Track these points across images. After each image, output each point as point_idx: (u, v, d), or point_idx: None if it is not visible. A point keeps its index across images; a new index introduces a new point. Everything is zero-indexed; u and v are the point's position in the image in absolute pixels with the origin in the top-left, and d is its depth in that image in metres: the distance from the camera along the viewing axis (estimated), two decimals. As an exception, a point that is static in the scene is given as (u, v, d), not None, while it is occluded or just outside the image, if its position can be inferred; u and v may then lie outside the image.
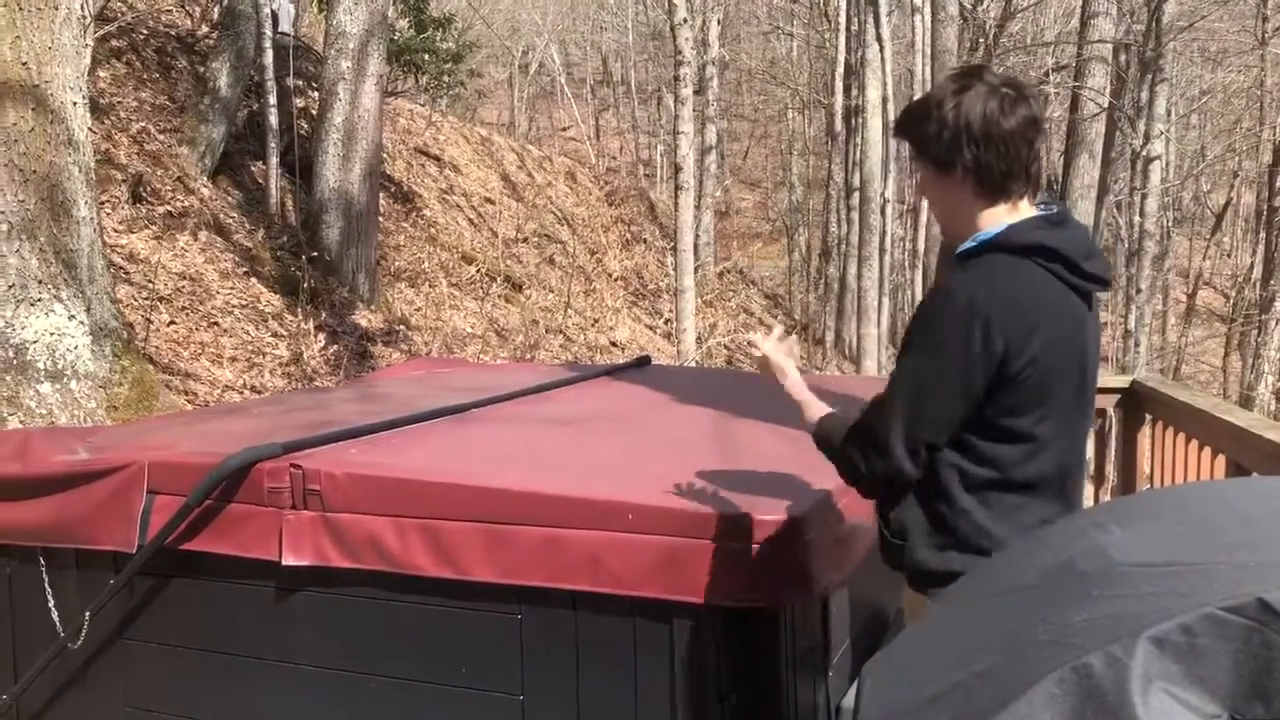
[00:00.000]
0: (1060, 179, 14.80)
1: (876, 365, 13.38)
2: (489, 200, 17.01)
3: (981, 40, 18.59)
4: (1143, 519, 1.40)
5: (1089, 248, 1.93)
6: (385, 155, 12.82)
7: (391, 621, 2.40)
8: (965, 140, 1.86)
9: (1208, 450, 3.71)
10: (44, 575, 2.77)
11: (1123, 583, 1.20)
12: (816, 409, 2.16)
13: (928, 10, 14.33)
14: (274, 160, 10.69)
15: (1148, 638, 1.06)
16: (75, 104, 5.35)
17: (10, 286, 4.98)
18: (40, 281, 5.08)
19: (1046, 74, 20.47)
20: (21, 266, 5.02)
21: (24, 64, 5.05)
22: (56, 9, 5.19)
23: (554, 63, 33.80)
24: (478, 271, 13.76)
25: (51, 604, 2.75)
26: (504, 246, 15.38)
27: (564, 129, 34.05)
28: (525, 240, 16.69)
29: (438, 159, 16.79)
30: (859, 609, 2.78)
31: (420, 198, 14.72)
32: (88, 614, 2.66)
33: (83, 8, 5.54)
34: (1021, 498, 1.91)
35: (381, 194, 11.98)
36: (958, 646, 1.27)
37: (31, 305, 5.03)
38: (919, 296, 13.84)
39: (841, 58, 19.79)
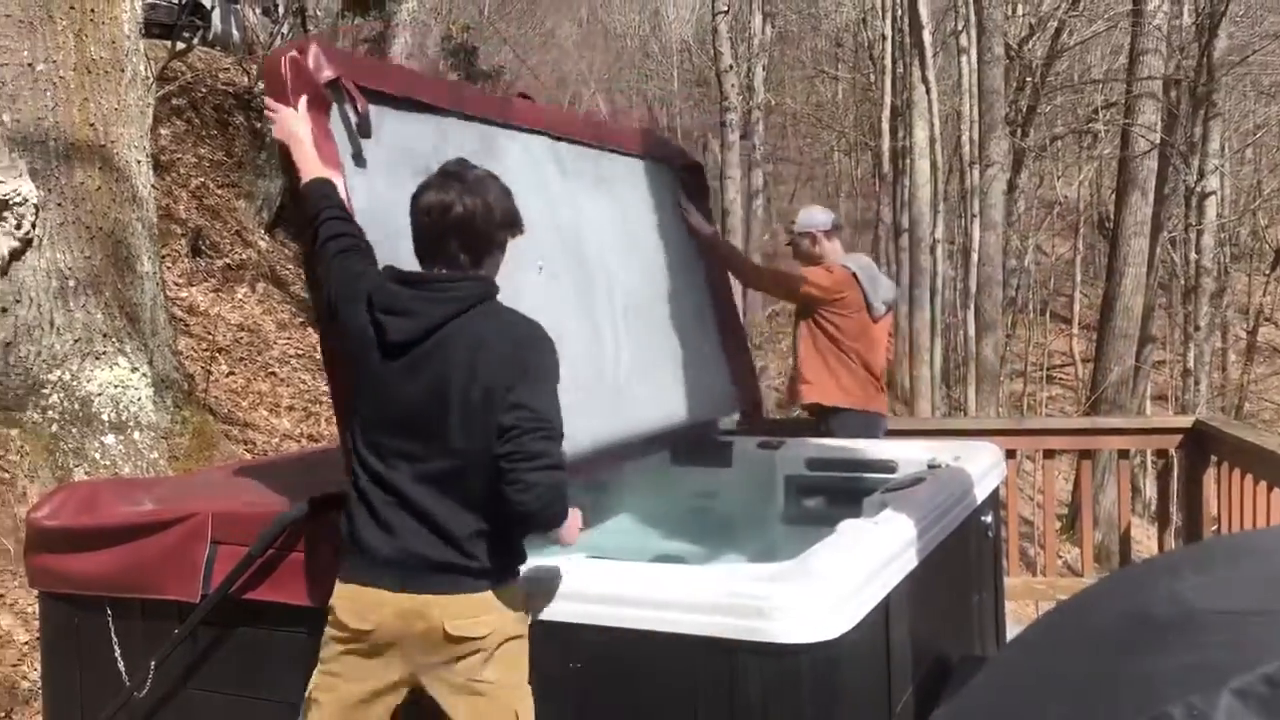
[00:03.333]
0: (1113, 217, 14.64)
1: (930, 407, 13.25)
2: (538, 248, 17.13)
3: (1028, 79, 18.55)
4: (1219, 565, 1.37)
5: None
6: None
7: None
8: None
9: (1278, 492, 3.62)
10: (110, 625, 2.80)
11: (1202, 631, 1.17)
12: (313, 171, 2.41)
13: (974, 52, 14.32)
14: (329, 212, 10.87)
15: (1231, 689, 1.04)
16: (139, 162, 5.51)
17: (77, 340, 5.10)
18: (105, 335, 5.20)
19: (1095, 111, 20.35)
20: (88, 321, 5.15)
21: (91, 125, 5.21)
22: (122, 72, 5.35)
23: (600, 111, 34.18)
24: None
25: (118, 653, 2.78)
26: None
27: (611, 176, 34.28)
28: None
29: (487, 208, 16.97)
30: (921, 654, 2.74)
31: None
32: (153, 664, 2.68)
33: (146, 69, 5.71)
34: None
35: (433, 243, 12.11)
36: (1030, 697, 1.25)
37: (97, 359, 5.15)
38: (972, 335, 13.70)
39: (888, 100, 19.80)
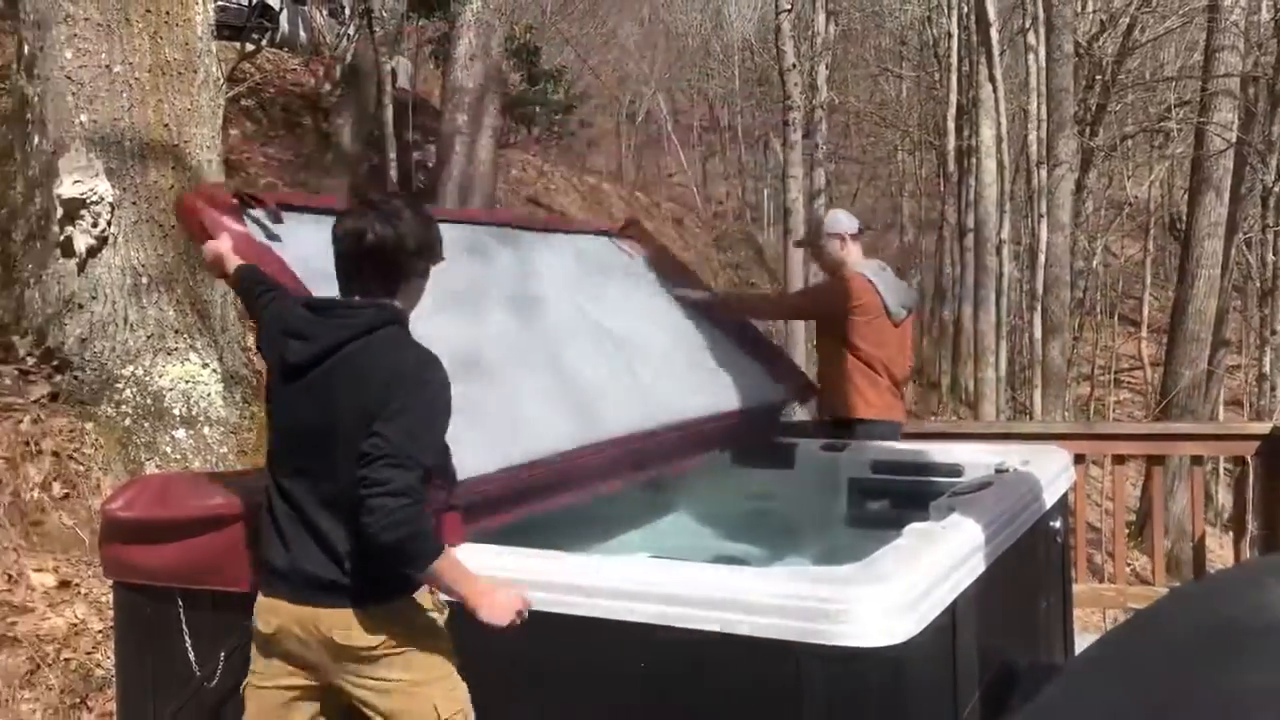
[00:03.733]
0: (1186, 217, 14.31)
1: (995, 410, 13.05)
2: (599, 247, 17.20)
3: (1098, 77, 18.19)
4: (1308, 576, 1.32)
5: None
6: (498, 205, 13.09)
7: (529, 668, 2.41)
8: None
9: (1361, 500, 3.51)
10: (181, 615, 2.85)
11: (1291, 644, 1.13)
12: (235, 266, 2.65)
13: (1042, 49, 14.07)
14: (393, 212, 11.01)
15: (1324, 705, 1.00)
16: (210, 162, 5.61)
17: (149, 337, 5.22)
18: (177, 331, 5.30)
19: (1168, 110, 19.89)
20: (160, 317, 5.26)
21: (165, 125, 5.32)
22: (195, 73, 5.46)
23: (661, 110, 34.18)
24: (588, 317, 13.89)
25: (188, 644, 2.83)
26: (614, 292, 15.50)
27: (670, 175, 34.31)
28: (634, 286, 16.79)
29: (549, 208, 17.09)
30: (988, 660, 2.69)
31: (532, 246, 14.96)
32: (223, 655, 2.73)
33: (217, 70, 5.82)
34: None
35: (495, 243, 12.21)
36: (1108, 712, 1.22)
37: (169, 355, 5.25)
38: (1039, 338, 13.47)
39: (953, 98, 19.54)
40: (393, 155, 10.99)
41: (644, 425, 3.29)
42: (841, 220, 4.59)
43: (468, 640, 2.45)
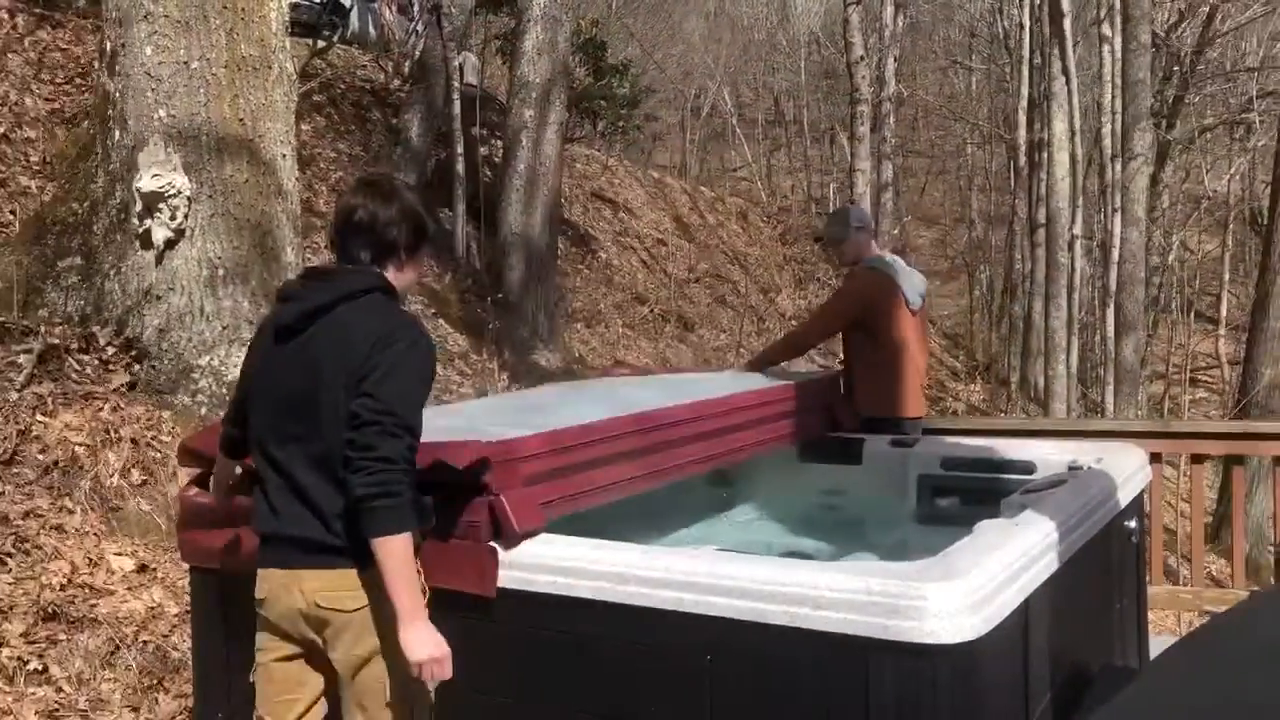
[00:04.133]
0: (1268, 211, 13.91)
1: (1066, 407, 12.81)
2: (661, 242, 17.22)
3: (1176, 69, 17.76)
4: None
5: None
6: (563, 200, 13.16)
7: (594, 658, 2.42)
8: None
9: None
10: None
11: (1388, 648, 1.09)
12: None
13: (1118, 40, 13.75)
14: (461, 206, 11.12)
15: None
16: (284, 156, 5.71)
17: (225, 327, 5.33)
18: (250, 322, 5.41)
19: (1250, 101, 19.35)
20: (234, 308, 5.37)
21: (241, 120, 5.43)
22: (270, 69, 5.56)
23: (726, 104, 34.04)
24: (651, 312, 13.92)
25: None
26: (676, 287, 15.51)
27: (735, 169, 34.18)
28: (697, 280, 16.80)
29: (613, 202, 17.12)
30: (1060, 660, 2.64)
31: (596, 240, 15.03)
32: (295, 638, 2.77)
33: (291, 66, 5.92)
34: None
35: (560, 237, 12.30)
36: (1194, 711, 1.19)
37: (243, 345, 5.35)
38: (1111, 335, 13.18)
39: (1024, 91, 19.18)
40: (460, 150, 11.08)
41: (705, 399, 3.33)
42: (862, 214, 4.78)
43: (531, 629, 2.47)
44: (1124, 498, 3.25)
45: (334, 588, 2.28)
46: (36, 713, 3.60)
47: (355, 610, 2.28)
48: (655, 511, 3.65)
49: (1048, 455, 3.64)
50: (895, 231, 20.87)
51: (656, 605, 2.32)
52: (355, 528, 2.21)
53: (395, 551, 2.17)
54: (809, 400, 4.06)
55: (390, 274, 2.41)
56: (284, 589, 2.33)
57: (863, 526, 3.84)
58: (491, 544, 2.50)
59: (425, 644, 2.19)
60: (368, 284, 2.35)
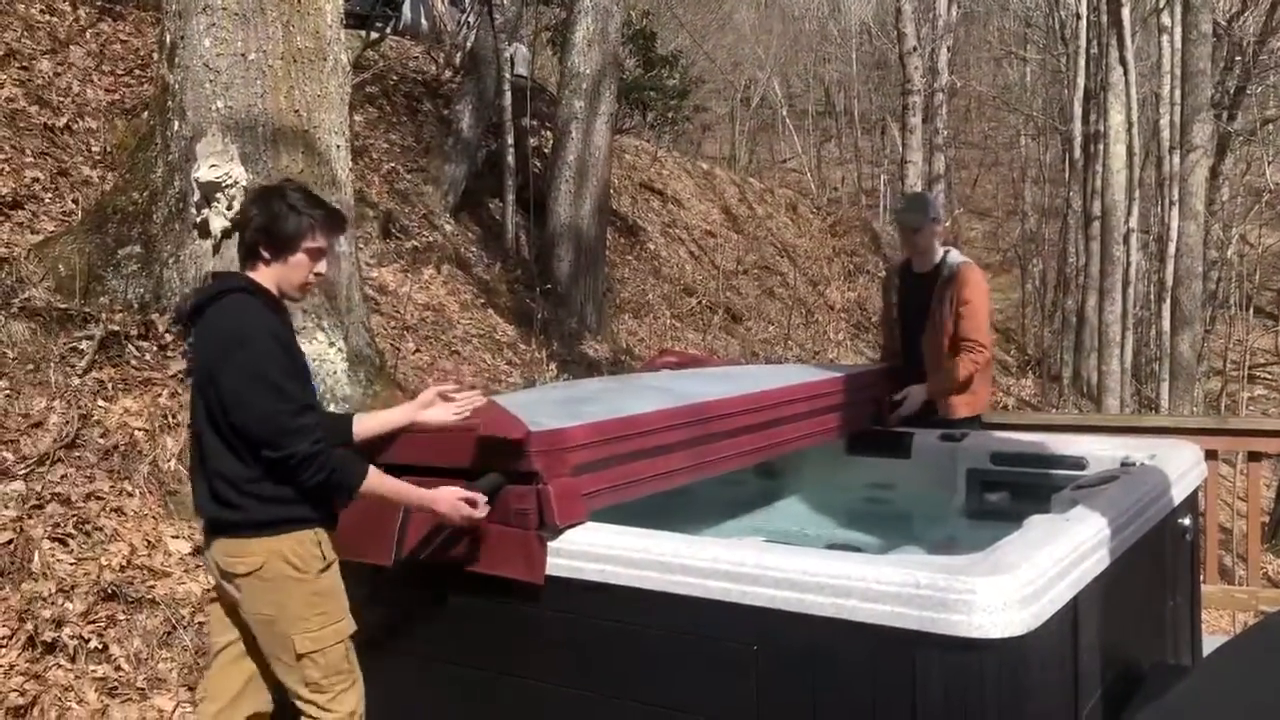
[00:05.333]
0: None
1: (1119, 403, 12.62)
2: (710, 233, 17.19)
3: (1238, 59, 17.38)
4: None
5: None
6: (612, 191, 13.18)
7: (642, 647, 2.44)
8: None
9: None
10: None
11: None
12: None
13: (1178, 30, 13.49)
14: (510, 197, 11.18)
15: None
16: (338, 147, 5.77)
17: (279, 315, 5.41)
18: (305, 312, 5.48)
19: (1314, 92, 18.88)
20: (289, 297, 5.45)
21: (296, 111, 5.50)
22: (325, 60, 5.62)
23: (776, 95, 33.87)
24: (698, 303, 13.90)
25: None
26: (724, 279, 15.48)
27: (784, 161, 34.01)
28: (745, 272, 16.75)
29: (661, 193, 17.11)
30: (1111, 658, 2.62)
31: (644, 231, 15.04)
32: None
33: (345, 58, 5.98)
34: None
35: (608, 228, 12.32)
36: (1250, 709, 1.18)
37: (297, 333, 5.43)
38: (1167, 330, 12.97)
39: (1080, 82, 18.91)
40: (511, 140, 11.14)
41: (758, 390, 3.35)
42: (938, 205, 4.62)
43: (578, 617, 2.50)
44: (1178, 495, 3.21)
45: (228, 552, 2.59)
46: (96, 690, 3.70)
47: (248, 574, 2.57)
48: (703, 502, 3.67)
49: (1100, 451, 3.60)
50: (947, 224, 20.63)
51: (703, 595, 2.34)
52: (244, 501, 2.54)
53: (375, 488, 2.60)
54: (858, 393, 4.05)
55: (259, 273, 2.68)
56: (212, 561, 2.67)
57: (911, 521, 3.83)
58: (539, 532, 2.53)
59: (439, 500, 2.56)
60: (229, 286, 2.66)
